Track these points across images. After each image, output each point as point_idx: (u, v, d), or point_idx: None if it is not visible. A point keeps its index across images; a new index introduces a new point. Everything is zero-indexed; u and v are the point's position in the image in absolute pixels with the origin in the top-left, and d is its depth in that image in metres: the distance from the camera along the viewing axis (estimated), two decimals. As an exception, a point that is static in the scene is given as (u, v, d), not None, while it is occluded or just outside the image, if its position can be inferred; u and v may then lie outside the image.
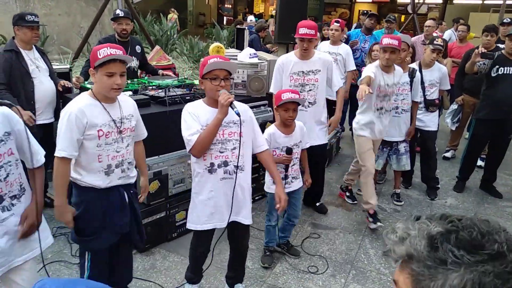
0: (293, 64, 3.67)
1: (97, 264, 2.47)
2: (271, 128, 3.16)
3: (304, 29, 3.48)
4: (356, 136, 3.97)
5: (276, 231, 3.37)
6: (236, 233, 2.74)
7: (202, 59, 2.54)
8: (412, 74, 4.20)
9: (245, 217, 2.63)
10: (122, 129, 2.34)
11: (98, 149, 2.27)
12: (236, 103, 2.43)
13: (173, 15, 16.75)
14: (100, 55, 2.13)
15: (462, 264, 0.68)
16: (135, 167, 2.58)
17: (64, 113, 2.21)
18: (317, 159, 3.91)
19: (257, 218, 4.03)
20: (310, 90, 3.69)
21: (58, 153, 2.20)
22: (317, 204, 4.27)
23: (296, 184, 3.28)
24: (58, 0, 8.03)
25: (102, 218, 2.36)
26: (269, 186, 3.23)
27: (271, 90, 3.84)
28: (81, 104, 2.21)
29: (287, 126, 3.12)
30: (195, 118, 2.41)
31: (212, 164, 2.46)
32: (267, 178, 3.27)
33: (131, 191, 2.51)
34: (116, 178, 2.37)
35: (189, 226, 2.63)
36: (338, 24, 5.22)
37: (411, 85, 4.21)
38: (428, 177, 4.82)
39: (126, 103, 2.43)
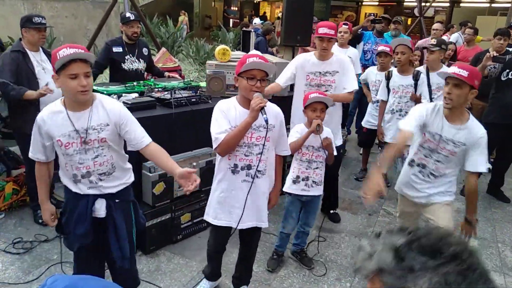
0: (311, 63, 3.66)
1: (79, 263, 2.49)
2: (300, 126, 3.13)
3: (324, 28, 3.48)
4: None
5: (288, 239, 3.33)
6: (250, 236, 2.76)
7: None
8: (416, 77, 4.18)
9: (262, 221, 2.64)
10: (87, 140, 2.18)
11: (63, 157, 2.25)
12: (269, 105, 2.44)
13: (184, 18, 16.83)
14: (59, 57, 1.99)
15: (428, 269, 0.75)
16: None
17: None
18: (333, 163, 3.86)
19: (262, 221, 4.01)
20: (326, 90, 3.63)
21: (31, 156, 2.31)
22: (331, 211, 4.19)
23: (316, 190, 3.19)
24: (65, 2, 8.09)
25: (71, 220, 2.33)
26: (287, 185, 3.19)
27: (276, 80, 3.76)
28: (46, 112, 2.19)
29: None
30: (225, 116, 2.38)
31: (235, 166, 2.46)
32: (288, 178, 3.22)
33: (117, 200, 2.35)
34: (86, 188, 2.28)
35: (206, 218, 2.66)
36: (347, 27, 5.19)
37: (415, 87, 4.18)
38: None
39: (104, 111, 2.22)
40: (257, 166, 2.45)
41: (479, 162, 2.64)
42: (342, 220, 4.16)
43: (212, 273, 2.97)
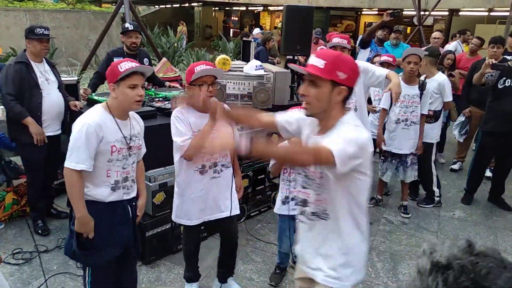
0: None
1: (97, 280, 2.43)
2: (282, 146, 3.07)
3: (336, 38, 3.55)
4: None
5: (289, 255, 3.21)
6: (226, 225, 2.87)
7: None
8: (422, 87, 4.18)
9: (236, 208, 2.80)
10: (131, 146, 2.38)
11: (108, 164, 2.30)
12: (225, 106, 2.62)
13: (183, 28, 16.96)
14: (121, 69, 2.19)
15: None
16: None
17: (80, 124, 2.21)
18: None
19: (262, 230, 4.00)
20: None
21: (75, 166, 2.20)
22: None
23: None
24: (67, 13, 8.17)
25: (108, 231, 2.35)
26: (278, 207, 3.10)
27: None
28: (97, 118, 2.25)
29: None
30: (186, 123, 2.54)
31: (203, 166, 2.64)
32: (278, 199, 3.14)
33: (133, 204, 2.53)
34: (121, 194, 2.40)
35: (178, 221, 2.78)
36: (346, 42, 5.21)
37: (421, 97, 4.18)
38: (425, 189, 4.79)
39: (136, 122, 2.48)
40: (221, 161, 2.68)
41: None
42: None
43: (194, 273, 3.02)
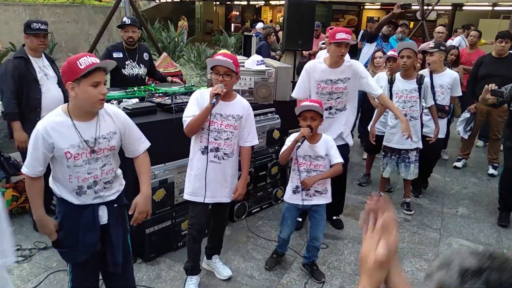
0: (320, 71, 3.55)
1: (77, 277, 2.37)
2: (293, 135, 3.07)
3: (341, 33, 3.39)
4: None
5: (288, 242, 3.35)
6: (218, 211, 3.04)
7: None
8: (420, 81, 4.13)
9: (227, 197, 2.93)
10: (96, 149, 2.18)
11: (68, 169, 2.15)
12: (240, 99, 2.90)
13: (184, 22, 16.87)
14: (81, 65, 2.00)
15: None
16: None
17: (34, 129, 2.10)
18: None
19: (263, 227, 3.97)
20: (338, 97, 3.58)
21: (23, 169, 2.17)
22: (334, 217, 4.12)
23: (320, 199, 3.13)
24: (67, 8, 8.10)
25: (73, 234, 2.25)
26: (289, 196, 3.19)
27: (292, 95, 3.79)
28: (49, 123, 2.09)
29: (310, 136, 2.99)
30: (197, 102, 2.74)
31: (206, 147, 2.80)
32: (288, 187, 3.21)
33: (115, 205, 2.35)
34: (90, 199, 2.24)
35: (185, 196, 2.95)
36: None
37: (419, 92, 4.14)
38: (421, 178, 4.70)
39: (111, 119, 2.25)
40: (224, 149, 2.81)
41: None
42: (345, 226, 4.10)
43: (195, 263, 3.00)
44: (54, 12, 7.83)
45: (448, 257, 0.78)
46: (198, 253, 3.01)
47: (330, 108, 3.62)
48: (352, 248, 3.73)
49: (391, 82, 4.25)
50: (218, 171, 2.84)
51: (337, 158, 3.07)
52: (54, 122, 2.10)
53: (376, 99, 3.93)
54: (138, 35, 4.39)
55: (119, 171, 2.43)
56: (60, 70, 3.93)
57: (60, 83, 3.75)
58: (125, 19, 4.32)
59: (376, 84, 3.75)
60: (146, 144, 2.46)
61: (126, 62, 4.26)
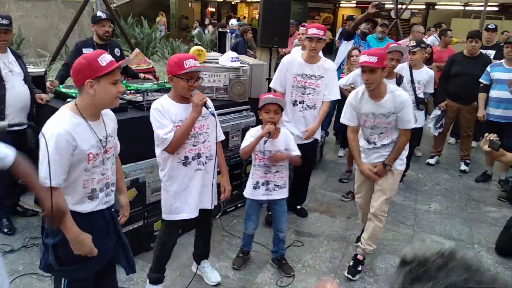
0: (297, 64, 3.67)
1: None
2: (254, 130, 3.10)
3: (313, 29, 3.54)
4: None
5: (252, 238, 3.37)
6: (204, 217, 2.88)
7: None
8: (399, 81, 4.15)
9: (213, 202, 2.83)
10: (107, 149, 2.14)
11: (85, 173, 2.05)
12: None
13: (162, 18, 16.61)
14: (103, 63, 1.97)
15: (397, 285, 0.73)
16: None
17: (49, 135, 1.90)
18: (307, 158, 3.83)
19: (238, 226, 3.92)
20: (309, 93, 3.68)
21: (47, 182, 1.90)
22: (298, 207, 4.22)
23: (279, 193, 3.17)
24: (35, 2, 7.83)
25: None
26: (249, 192, 3.19)
27: (270, 85, 3.86)
28: (67, 125, 1.96)
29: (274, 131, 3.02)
30: (166, 115, 2.52)
31: (186, 158, 2.63)
32: (248, 184, 3.21)
33: (113, 210, 2.31)
34: (101, 204, 2.17)
35: (164, 217, 2.76)
36: (305, 28, 5.16)
37: None
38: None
39: (108, 117, 2.23)
40: (205, 152, 2.68)
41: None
42: (320, 224, 4.10)
43: (162, 273, 2.93)
44: (21, 6, 7.55)
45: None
46: (166, 262, 2.94)
47: (302, 102, 3.74)
48: (327, 245, 3.73)
49: None
50: (203, 178, 2.72)
51: (295, 151, 3.13)
52: (73, 124, 1.99)
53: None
54: (111, 30, 4.32)
55: None
56: (26, 66, 3.78)
57: (27, 80, 3.60)
58: (100, 13, 4.28)
59: (336, 92, 3.80)
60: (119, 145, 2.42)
61: (97, 58, 4.14)
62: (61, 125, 1.95)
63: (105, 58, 2.01)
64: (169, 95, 2.63)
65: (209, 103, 2.67)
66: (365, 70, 2.92)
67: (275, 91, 3.81)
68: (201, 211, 2.80)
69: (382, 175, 3.19)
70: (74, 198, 2.07)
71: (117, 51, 4.33)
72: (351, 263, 3.31)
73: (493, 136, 3.04)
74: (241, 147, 3.09)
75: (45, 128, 1.97)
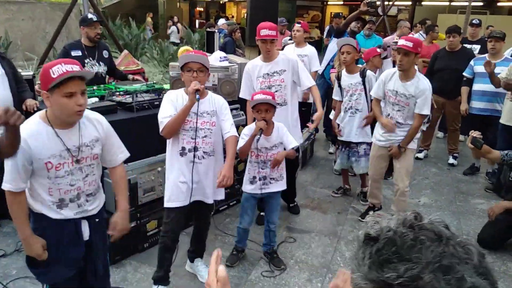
0: (259, 68, 3.67)
1: None
2: (248, 128, 3.12)
3: (265, 30, 3.45)
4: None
5: (247, 235, 3.38)
6: (200, 211, 2.98)
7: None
8: (363, 74, 4.22)
9: (208, 198, 2.86)
10: (79, 158, 2.05)
11: (48, 181, 2.00)
12: (211, 95, 2.80)
13: (147, 19, 16.59)
14: (54, 74, 1.82)
15: (360, 270, 0.68)
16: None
17: None
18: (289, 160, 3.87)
19: (231, 224, 3.95)
20: (276, 91, 3.64)
21: (4, 185, 1.96)
22: (291, 205, 4.29)
23: (276, 186, 3.23)
24: (21, 5, 7.77)
25: (55, 250, 2.11)
26: (245, 186, 3.25)
27: (240, 95, 3.85)
28: (27, 132, 1.90)
29: (266, 128, 3.04)
30: (172, 103, 2.65)
31: (183, 148, 2.71)
32: (245, 179, 3.26)
33: (97, 220, 2.25)
34: (72, 213, 2.11)
35: (165, 204, 2.81)
36: (300, 25, 5.20)
37: (364, 84, 4.23)
38: None
39: (93, 126, 2.13)
40: (203, 147, 2.72)
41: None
42: (311, 220, 4.15)
43: (165, 274, 2.94)
44: (7, 9, 7.49)
45: (378, 218, 0.75)
46: (169, 263, 2.92)
47: None
48: (319, 241, 3.77)
49: (338, 78, 4.35)
50: (200, 171, 2.76)
51: (292, 143, 3.16)
52: (33, 131, 1.93)
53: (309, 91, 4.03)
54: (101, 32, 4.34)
55: (100, 183, 2.32)
56: (12, 67, 3.72)
57: (11, 81, 3.53)
58: (91, 15, 4.27)
59: (308, 77, 3.78)
60: (125, 154, 2.37)
61: (86, 61, 4.14)
62: (22, 132, 1.88)
63: (59, 69, 1.84)
64: (184, 88, 2.76)
65: (214, 98, 2.79)
66: (400, 52, 3.45)
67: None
68: (198, 203, 2.84)
69: (397, 156, 3.77)
70: (42, 203, 2.06)
71: (105, 53, 4.34)
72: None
73: (476, 133, 3.17)
74: (238, 147, 3.07)
75: None
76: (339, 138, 4.48)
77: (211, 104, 2.76)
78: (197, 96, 2.55)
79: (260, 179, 3.17)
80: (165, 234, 2.86)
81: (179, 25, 15.14)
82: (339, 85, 4.37)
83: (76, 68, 1.89)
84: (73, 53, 4.09)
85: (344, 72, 4.33)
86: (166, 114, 2.61)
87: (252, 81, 3.71)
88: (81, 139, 2.05)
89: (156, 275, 2.94)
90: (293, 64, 3.67)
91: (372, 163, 4.03)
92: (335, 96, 4.48)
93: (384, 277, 0.62)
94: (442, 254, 0.63)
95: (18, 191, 1.98)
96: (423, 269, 0.60)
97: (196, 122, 2.68)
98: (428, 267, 0.61)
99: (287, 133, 3.20)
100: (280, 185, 3.26)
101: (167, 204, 2.80)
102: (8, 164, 1.94)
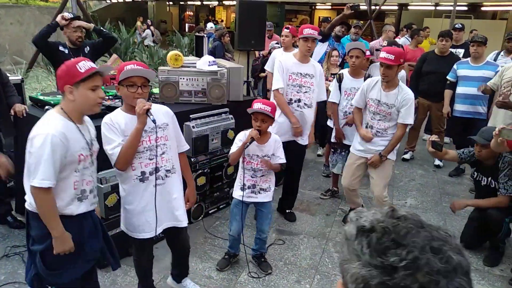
0: (292, 64, 3.80)
1: None
2: (242, 134, 3.14)
3: (308, 29, 3.66)
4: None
5: (239, 241, 3.38)
6: (178, 236, 2.78)
7: (117, 65, 2.56)
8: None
9: (179, 221, 2.66)
10: (92, 152, 2.24)
11: (76, 175, 2.12)
12: (156, 106, 2.48)
13: (137, 23, 16.59)
14: (81, 69, 2.03)
15: (361, 260, 0.72)
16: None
17: (42, 137, 1.97)
18: (295, 161, 3.99)
19: (221, 227, 3.99)
20: (306, 92, 3.81)
21: (40, 183, 1.97)
22: (288, 211, 4.26)
23: (264, 196, 3.24)
24: (9, 8, 7.74)
25: (78, 246, 2.18)
26: (235, 192, 3.27)
27: (274, 87, 3.86)
28: (59, 126, 2.03)
29: (258, 138, 3.05)
30: (114, 129, 2.36)
31: (143, 173, 2.45)
32: (236, 184, 3.27)
33: (94, 212, 2.39)
34: (89, 205, 2.25)
35: (128, 233, 2.62)
36: (288, 30, 5.28)
37: None
38: None
39: (88, 123, 2.31)
40: (164, 166, 2.51)
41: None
42: (300, 222, 4.20)
43: (148, 285, 2.92)
44: (-5, 13, 7.48)
45: (360, 213, 0.81)
46: (150, 277, 2.92)
47: (299, 100, 3.85)
48: (307, 243, 3.82)
49: (339, 80, 4.36)
50: (165, 193, 2.54)
51: (281, 159, 3.20)
52: (64, 126, 2.07)
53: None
54: (83, 34, 4.30)
55: None
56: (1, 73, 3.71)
57: None
58: (66, 13, 4.25)
59: (324, 92, 4.08)
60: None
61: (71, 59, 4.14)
62: (54, 126, 2.02)
63: (85, 65, 2.06)
64: (121, 106, 2.51)
65: (159, 109, 2.51)
66: (383, 65, 3.43)
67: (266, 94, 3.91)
68: (171, 229, 2.67)
69: (377, 164, 3.71)
70: (64, 200, 2.13)
71: (87, 49, 4.30)
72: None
73: (434, 137, 3.48)
74: (230, 152, 3.14)
75: (37, 130, 2.04)
76: (335, 141, 4.50)
77: (163, 116, 2.51)
78: (152, 117, 2.30)
79: (249, 188, 3.18)
80: (139, 260, 2.80)
81: (152, 27, 15.72)
82: (339, 88, 4.37)
83: (95, 65, 2.13)
84: (61, 48, 4.12)
85: (347, 74, 4.34)
86: (114, 144, 2.32)
87: (284, 73, 3.80)
88: (90, 133, 2.26)
89: (141, 286, 2.92)
90: (321, 74, 3.89)
91: (348, 172, 3.93)
92: (333, 98, 4.41)
93: (389, 262, 0.69)
94: (430, 238, 0.72)
95: (52, 187, 2.03)
96: (420, 252, 0.69)
97: (156, 139, 2.45)
98: (424, 249, 0.70)
99: (281, 149, 3.23)
100: (268, 196, 3.26)
101: (135, 234, 2.58)
102: (42, 161, 1.97)
